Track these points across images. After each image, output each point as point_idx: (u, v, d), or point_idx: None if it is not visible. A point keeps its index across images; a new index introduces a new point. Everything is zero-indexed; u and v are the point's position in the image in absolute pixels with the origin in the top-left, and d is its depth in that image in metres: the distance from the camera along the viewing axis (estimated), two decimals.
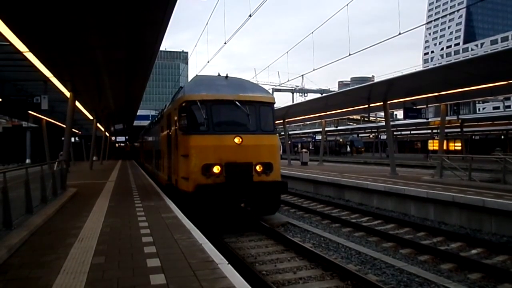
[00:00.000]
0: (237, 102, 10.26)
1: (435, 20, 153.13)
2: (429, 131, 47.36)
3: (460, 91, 16.43)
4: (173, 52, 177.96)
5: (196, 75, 12.94)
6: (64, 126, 18.95)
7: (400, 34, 12.09)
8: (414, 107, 20.79)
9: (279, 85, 72.79)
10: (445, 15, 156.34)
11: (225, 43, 17.83)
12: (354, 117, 56.95)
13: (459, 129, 36.65)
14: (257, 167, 10.13)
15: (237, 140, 9.91)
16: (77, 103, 19.52)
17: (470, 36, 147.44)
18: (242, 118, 10.36)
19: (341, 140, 63.37)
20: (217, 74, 11.88)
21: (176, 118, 11.00)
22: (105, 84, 16.55)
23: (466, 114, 47.39)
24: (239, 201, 9.72)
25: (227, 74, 11.48)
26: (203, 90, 10.37)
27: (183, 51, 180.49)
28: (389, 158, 21.82)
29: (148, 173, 22.71)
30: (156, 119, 20.99)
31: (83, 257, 5.51)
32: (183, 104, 10.28)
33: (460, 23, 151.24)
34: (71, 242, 6.41)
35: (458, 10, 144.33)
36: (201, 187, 9.49)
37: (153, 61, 13.02)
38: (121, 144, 78.64)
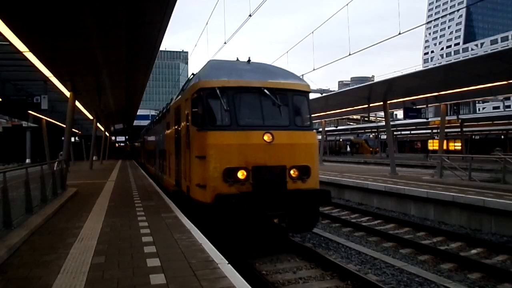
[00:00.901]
0: (265, 90, 8.30)
1: (435, 20, 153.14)
2: (429, 131, 47.36)
3: (460, 91, 16.44)
4: (173, 52, 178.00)
5: (210, 60, 10.35)
6: (64, 126, 18.95)
7: (400, 34, 12.08)
8: (414, 107, 20.81)
9: None
10: (445, 15, 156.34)
11: (225, 42, 17.82)
12: (354, 117, 56.93)
13: (459, 129, 36.64)
14: (292, 172, 8.21)
15: (266, 137, 7.99)
16: (77, 103, 19.52)
17: (470, 36, 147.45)
18: (273, 110, 8.41)
19: (341, 140, 63.17)
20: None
21: (188, 110, 9.05)
22: (105, 84, 16.55)
23: (466, 114, 47.37)
24: (270, 215, 7.84)
25: (249, 58, 9.46)
26: (223, 75, 8.45)
27: (183, 51, 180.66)
28: (389, 158, 21.82)
29: (150, 175, 21.17)
30: (160, 115, 18.41)
31: (83, 257, 5.51)
32: (198, 93, 8.31)
33: (460, 23, 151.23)
34: (71, 242, 6.42)
35: (458, 10, 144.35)
36: (222, 198, 7.38)
37: (153, 61, 13.03)
38: (121, 144, 78.72)
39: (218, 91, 8.07)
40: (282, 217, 8.00)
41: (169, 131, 13.03)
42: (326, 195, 8.42)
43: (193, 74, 9.99)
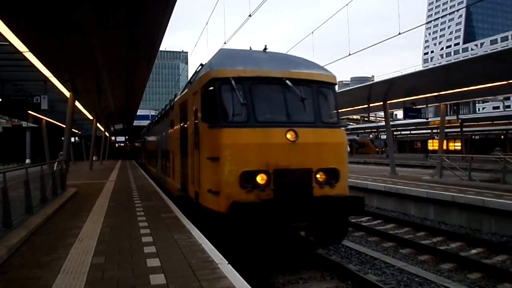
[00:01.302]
0: (287, 81, 7.30)
1: (435, 20, 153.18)
2: (429, 131, 47.38)
3: (460, 91, 16.44)
4: (173, 52, 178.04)
5: (221, 48, 9.42)
6: (64, 126, 18.95)
7: (400, 34, 12.07)
8: (414, 107, 20.82)
9: None
10: (445, 15, 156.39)
11: (225, 43, 17.80)
12: (354, 117, 56.91)
13: (459, 129, 36.66)
14: (318, 176, 7.16)
15: (290, 136, 6.98)
16: (77, 103, 19.52)
17: (470, 36, 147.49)
18: (296, 105, 7.36)
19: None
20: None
21: (197, 105, 8.00)
22: (105, 84, 16.55)
23: (466, 114, 47.40)
24: (295, 227, 6.71)
25: (265, 46, 8.47)
26: (238, 63, 7.46)
27: (183, 51, 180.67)
28: (388, 158, 21.83)
29: (152, 177, 20.05)
30: (162, 112, 17.08)
31: (83, 257, 5.51)
32: (210, 84, 7.26)
33: (460, 23, 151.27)
34: (71, 242, 6.41)
35: (458, 10, 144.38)
36: (239, 207, 6.36)
37: (153, 61, 13.02)
38: (121, 144, 78.75)
39: (233, 81, 7.01)
40: (309, 229, 6.80)
41: (173, 130, 12.10)
42: (358, 203, 7.18)
43: (201, 64, 8.92)
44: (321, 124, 7.56)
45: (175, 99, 11.96)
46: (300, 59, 8.50)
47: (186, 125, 9.44)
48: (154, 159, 19.89)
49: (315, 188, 7.12)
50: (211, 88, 7.24)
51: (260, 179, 6.80)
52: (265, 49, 8.45)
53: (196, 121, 8.00)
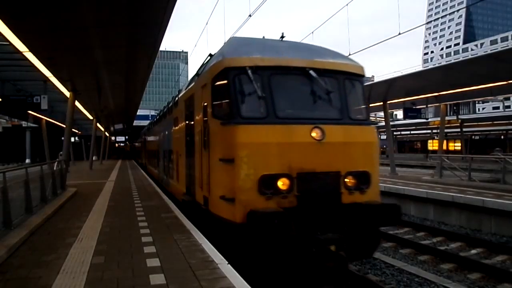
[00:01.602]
0: (311, 72, 6.46)
1: (435, 20, 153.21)
2: (429, 131, 47.38)
3: (460, 91, 16.45)
4: (173, 52, 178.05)
5: (233, 36, 8.77)
6: (64, 126, 18.95)
7: (400, 34, 12.08)
8: (414, 107, 20.82)
9: None
10: (445, 15, 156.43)
11: (224, 43, 17.83)
12: None
13: (458, 129, 36.67)
14: (347, 180, 6.36)
15: (315, 134, 6.17)
16: (77, 103, 19.52)
17: (470, 36, 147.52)
18: (321, 98, 6.55)
19: None
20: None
21: (206, 100, 7.11)
22: (105, 84, 16.56)
23: (466, 114, 47.42)
24: (324, 240, 5.80)
25: (283, 34, 7.66)
26: (254, 51, 6.65)
27: (183, 51, 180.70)
28: (388, 158, 21.84)
29: (153, 178, 19.09)
30: (164, 110, 16.00)
31: (83, 257, 5.51)
32: (223, 74, 6.44)
33: (460, 23, 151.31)
34: (71, 242, 6.41)
35: (458, 10, 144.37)
36: (257, 216, 5.52)
37: (153, 61, 13.03)
38: (121, 144, 78.79)
39: (249, 71, 6.18)
40: (340, 242, 5.87)
41: (177, 128, 11.21)
42: (393, 211, 6.32)
43: (210, 55, 8.02)
44: (349, 120, 6.67)
45: (179, 95, 11.08)
46: (322, 48, 7.61)
47: (192, 123, 8.56)
48: (156, 159, 18.99)
49: (344, 194, 6.28)
50: (224, 79, 6.39)
51: (282, 184, 5.96)
52: (283, 37, 7.56)
53: (205, 118, 7.13)
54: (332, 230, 5.97)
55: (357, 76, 7.11)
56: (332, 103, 6.58)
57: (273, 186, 5.93)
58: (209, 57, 7.99)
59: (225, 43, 8.05)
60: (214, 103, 6.74)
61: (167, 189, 13.60)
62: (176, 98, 11.88)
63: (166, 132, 14.31)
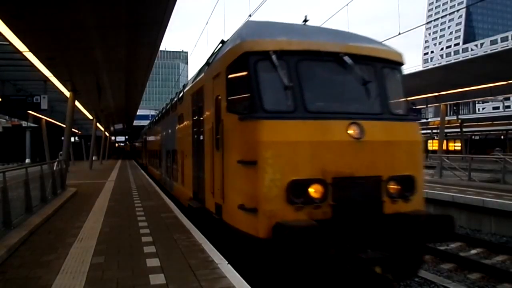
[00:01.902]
0: (346, 58, 5.53)
1: (435, 20, 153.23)
2: (429, 131, 47.40)
3: (460, 91, 16.46)
4: (173, 52, 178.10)
5: (249, 20, 7.88)
6: (64, 126, 18.96)
7: (400, 34, 12.08)
8: (414, 107, 20.82)
9: None
10: (445, 15, 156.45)
11: (240, 27, 17.79)
12: None
13: (458, 129, 36.67)
14: (390, 186, 5.44)
15: (352, 131, 5.27)
16: (77, 103, 19.53)
17: (470, 36, 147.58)
18: (357, 89, 5.68)
19: None
20: None
21: (220, 91, 6.21)
22: (105, 84, 16.56)
23: (466, 114, 47.44)
24: (367, 260, 4.75)
25: (306, 17, 6.80)
26: (279, 33, 5.77)
27: (183, 51, 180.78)
28: None
29: (155, 180, 18.18)
30: (167, 107, 14.89)
31: (83, 257, 5.51)
32: (242, 60, 5.50)
33: (460, 23, 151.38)
34: (71, 241, 6.41)
35: (458, 10, 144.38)
36: (286, 231, 4.56)
37: (153, 61, 13.04)
38: (121, 144, 78.82)
39: (274, 56, 5.26)
40: (386, 262, 4.81)
41: (182, 126, 10.38)
42: (446, 223, 5.33)
43: (222, 41, 7.11)
44: (390, 116, 5.73)
45: (185, 90, 10.17)
46: (353, 33, 6.67)
47: (201, 119, 7.67)
48: (157, 160, 18.11)
49: (386, 203, 5.35)
50: (243, 65, 5.47)
51: (315, 191, 5.04)
52: (306, 20, 6.67)
53: (218, 113, 6.25)
54: (375, 247, 4.95)
55: (396, 65, 6.17)
56: (370, 95, 5.66)
57: (304, 193, 5.00)
58: (221, 44, 7.06)
59: (241, 26, 6.79)
60: (230, 95, 5.81)
61: (171, 192, 12.74)
62: (181, 93, 10.87)
63: (169, 131, 13.47)
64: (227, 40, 6.66)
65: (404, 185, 5.51)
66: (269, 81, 5.33)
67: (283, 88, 5.19)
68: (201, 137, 7.67)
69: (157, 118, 20.74)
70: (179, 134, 11.09)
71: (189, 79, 11.03)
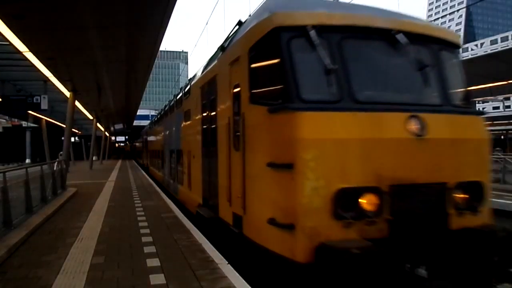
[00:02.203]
0: (400, 36, 4.50)
1: (435, 20, 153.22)
2: None
3: None
4: (173, 52, 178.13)
5: None
6: (64, 126, 18.97)
7: None
8: None
9: None
10: (445, 15, 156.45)
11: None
12: None
13: None
14: (456, 195, 4.45)
15: (413, 126, 4.27)
16: (77, 103, 19.54)
17: (470, 36, 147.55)
18: (413, 74, 4.62)
19: None
20: None
21: (240, 79, 5.27)
22: (105, 84, 16.57)
23: None
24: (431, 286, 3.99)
25: None
26: (316, 6, 4.80)
27: (183, 51, 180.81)
28: None
29: (157, 182, 17.32)
30: (171, 104, 13.87)
31: (83, 257, 5.50)
32: (272, 38, 4.51)
33: (460, 23, 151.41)
34: (71, 242, 6.40)
35: (458, 10, 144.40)
36: (333, 254, 3.74)
37: (153, 61, 13.04)
38: (121, 144, 78.86)
39: (313, 32, 4.24)
40: None
41: (188, 123, 9.53)
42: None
43: (240, 22, 6.08)
44: (453, 108, 4.69)
45: (192, 82, 9.28)
46: (397, 12, 5.55)
47: (213, 114, 6.77)
48: (160, 160, 17.13)
49: (452, 216, 4.36)
50: (273, 44, 4.44)
51: (368, 203, 4.03)
52: None
53: (237, 105, 5.36)
54: (442, 271, 4.12)
55: (455, 47, 5.18)
56: (429, 81, 4.60)
57: (355, 205, 3.98)
58: (237, 26, 6.08)
59: (265, 1, 5.68)
60: (254, 83, 4.86)
61: (175, 196, 11.77)
62: (188, 87, 9.89)
63: (174, 129, 12.54)
64: (246, 20, 5.72)
65: (473, 193, 4.51)
66: (307, 63, 4.32)
67: (325, 72, 4.17)
68: (214, 135, 6.73)
69: (159, 116, 19.62)
70: (185, 132, 10.27)
71: (196, 71, 9.73)
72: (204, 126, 7.72)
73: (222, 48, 6.54)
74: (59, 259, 5.44)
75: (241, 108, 5.20)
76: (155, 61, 13.56)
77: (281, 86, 4.36)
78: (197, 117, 8.46)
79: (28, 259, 5.51)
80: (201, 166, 7.87)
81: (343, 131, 4.09)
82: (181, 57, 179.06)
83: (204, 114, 7.74)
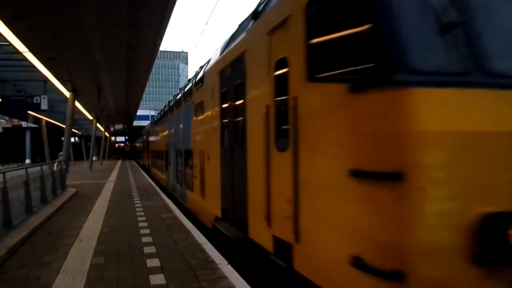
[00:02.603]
0: None
1: None
2: None
3: None
4: (173, 52, 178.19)
5: None
6: (64, 126, 18.98)
7: None
8: None
9: None
10: None
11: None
12: None
13: None
14: None
15: None
16: (77, 103, 19.54)
17: None
18: None
19: None
20: None
21: (290, 50, 3.91)
22: (105, 84, 16.57)
23: None
24: None
25: None
26: None
27: (183, 51, 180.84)
28: None
29: (159, 184, 16.39)
30: (177, 98, 12.48)
31: (83, 257, 5.50)
32: None
33: None
34: (71, 242, 6.40)
35: None
36: None
37: (153, 61, 13.03)
38: (121, 144, 78.93)
39: None
40: None
41: (201, 118, 8.21)
42: None
43: None
44: None
45: (207, 68, 7.95)
46: None
47: (241, 103, 5.41)
48: (163, 162, 15.67)
49: None
50: None
51: None
52: None
53: (283, 87, 3.96)
54: None
55: None
56: None
57: (504, 242, 2.47)
58: None
59: None
60: (315, 51, 3.45)
61: (183, 204, 10.51)
62: (200, 74, 8.48)
63: (181, 126, 11.20)
64: None
65: None
66: (411, 15, 2.82)
67: (445, 29, 2.74)
68: (240, 131, 5.42)
69: (163, 112, 17.69)
70: (196, 129, 8.88)
71: (212, 55, 8.17)
72: (225, 120, 6.36)
73: (254, 15, 5.11)
74: (59, 259, 5.44)
75: (290, 90, 3.80)
76: (155, 61, 13.56)
77: (372, 51, 2.81)
78: (213, 110, 7.07)
79: (28, 259, 5.50)
80: (220, 169, 6.49)
81: (484, 120, 2.58)
82: (181, 57, 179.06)
83: (225, 105, 6.31)
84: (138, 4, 7.94)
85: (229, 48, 6.20)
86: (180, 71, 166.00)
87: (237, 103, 5.67)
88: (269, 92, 4.33)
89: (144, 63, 13.08)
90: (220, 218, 6.48)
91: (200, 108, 8.35)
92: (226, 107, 6.27)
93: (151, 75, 17.38)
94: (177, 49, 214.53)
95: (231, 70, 6.05)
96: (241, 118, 5.44)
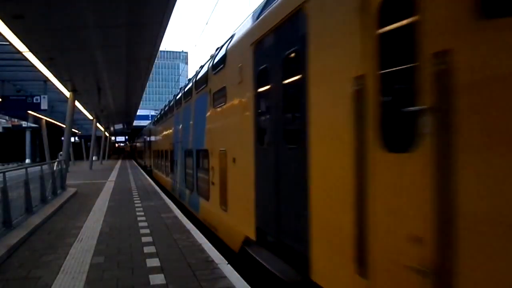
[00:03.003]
0: None
1: None
2: None
3: None
4: (173, 52, 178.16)
5: None
6: (64, 126, 18.98)
7: None
8: None
9: None
10: None
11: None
12: None
13: None
14: None
15: None
16: (77, 103, 19.55)
17: None
18: None
19: None
20: None
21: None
22: (105, 84, 16.58)
23: None
24: None
25: None
26: None
27: (183, 51, 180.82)
28: None
29: (163, 188, 14.87)
30: (185, 90, 11.06)
31: (83, 257, 5.50)
32: None
33: None
34: (71, 241, 6.40)
35: None
36: None
37: (153, 61, 13.04)
38: (121, 144, 78.95)
39: None
40: None
41: (221, 109, 6.77)
42: None
43: None
44: None
45: (232, 43, 6.36)
46: None
47: (296, 80, 3.96)
48: (168, 163, 14.14)
49: None
50: None
51: None
52: None
53: (386, 43, 2.58)
54: None
55: None
56: None
57: None
58: None
59: None
60: None
61: (195, 214, 9.09)
62: (222, 53, 6.89)
63: (191, 122, 9.70)
64: None
65: None
66: None
67: None
68: (297, 120, 4.01)
69: (168, 107, 15.66)
70: (214, 123, 7.44)
71: (237, 29, 6.59)
72: (263, 109, 4.92)
73: None
74: (59, 259, 5.44)
75: (427, 42, 2.20)
76: (155, 61, 13.57)
77: None
78: (243, 97, 5.56)
79: (28, 259, 5.50)
80: (255, 175, 5.04)
81: None
82: (181, 57, 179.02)
83: (264, 88, 4.82)
84: (138, 4, 7.94)
85: (271, 8, 4.66)
86: (180, 71, 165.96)
87: (287, 81, 4.19)
88: (365, 55, 2.71)
89: (144, 63, 13.09)
90: (254, 241, 4.99)
91: (220, 96, 6.78)
92: (266, 90, 4.73)
93: (151, 75, 17.39)
94: (177, 49, 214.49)
95: (276, 37, 4.45)
96: (296, 103, 3.92)
